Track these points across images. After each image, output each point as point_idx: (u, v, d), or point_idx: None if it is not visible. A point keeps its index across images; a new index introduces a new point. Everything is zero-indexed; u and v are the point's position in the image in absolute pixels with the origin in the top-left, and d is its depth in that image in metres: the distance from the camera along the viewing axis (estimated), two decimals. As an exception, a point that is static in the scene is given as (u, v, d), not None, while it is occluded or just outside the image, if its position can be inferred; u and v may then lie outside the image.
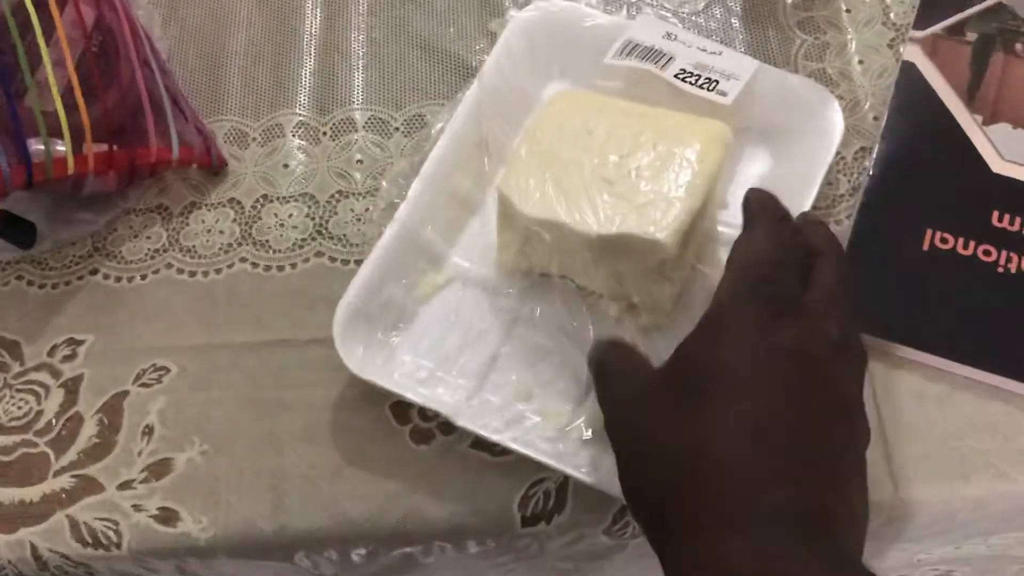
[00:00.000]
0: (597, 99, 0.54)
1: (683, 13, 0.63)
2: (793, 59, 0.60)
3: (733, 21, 0.62)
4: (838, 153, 0.57)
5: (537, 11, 0.59)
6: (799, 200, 0.51)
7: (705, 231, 0.53)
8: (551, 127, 0.51)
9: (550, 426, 0.49)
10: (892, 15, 0.62)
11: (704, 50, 0.56)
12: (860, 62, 0.60)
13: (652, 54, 0.55)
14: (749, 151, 0.56)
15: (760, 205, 0.42)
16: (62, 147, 0.53)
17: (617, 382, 0.42)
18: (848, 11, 0.62)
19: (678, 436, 0.36)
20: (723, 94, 0.54)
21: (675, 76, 0.54)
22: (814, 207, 0.52)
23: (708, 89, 0.54)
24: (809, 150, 0.54)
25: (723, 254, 0.52)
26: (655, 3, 0.63)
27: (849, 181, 0.56)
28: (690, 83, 0.54)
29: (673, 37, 0.56)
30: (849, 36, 0.61)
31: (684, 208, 0.48)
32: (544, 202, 0.49)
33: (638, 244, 0.48)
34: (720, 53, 0.56)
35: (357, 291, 0.50)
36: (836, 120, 0.54)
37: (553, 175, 0.49)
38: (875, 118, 0.58)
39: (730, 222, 0.54)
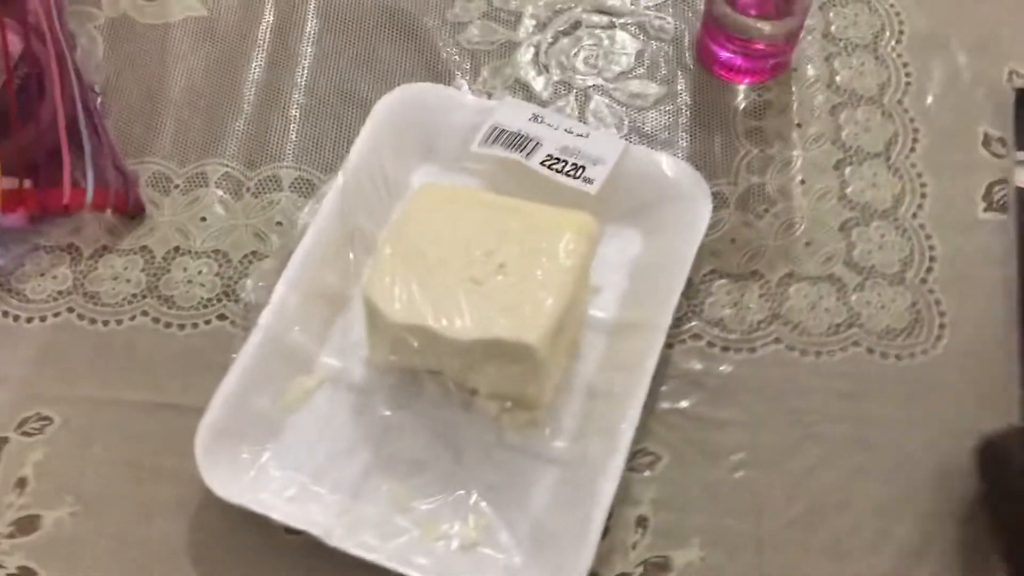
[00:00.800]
0: (462, 192, 0.53)
1: (636, 104, 0.61)
2: (735, 169, 0.59)
3: (682, 120, 0.61)
4: (760, 275, 0.56)
5: (400, 93, 0.58)
6: (670, 280, 0.52)
7: (578, 318, 0.52)
8: (416, 224, 0.50)
9: (429, 538, 0.48)
10: (844, 134, 0.60)
11: (571, 132, 0.55)
12: (802, 181, 0.58)
13: (518, 140, 0.54)
14: (617, 230, 0.55)
15: None
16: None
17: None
18: (799, 125, 0.60)
19: None
20: (589, 181, 0.53)
21: (541, 163, 0.54)
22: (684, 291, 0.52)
23: (574, 176, 0.53)
24: (679, 230, 0.54)
25: (594, 339, 0.53)
26: (604, 92, 0.62)
27: (771, 308, 0.55)
28: (556, 170, 0.53)
29: (540, 119, 0.56)
30: (795, 152, 0.59)
31: (553, 307, 0.47)
32: (411, 306, 0.47)
33: (508, 347, 0.46)
34: (587, 135, 0.55)
35: (220, 408, 0.48)
36: (704, 200, 0.54)
37: (418, 276, 0.48)
38: (807, 244, 0.56)
39: (602, 305, 0.53)
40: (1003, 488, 0.47)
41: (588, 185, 0.53)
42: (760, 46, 0.59)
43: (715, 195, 0.56)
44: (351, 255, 0.54)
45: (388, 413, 0.51)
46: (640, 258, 0.55)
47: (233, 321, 0.55)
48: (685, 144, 0.60)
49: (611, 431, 0.48)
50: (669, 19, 0.64)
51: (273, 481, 0.49)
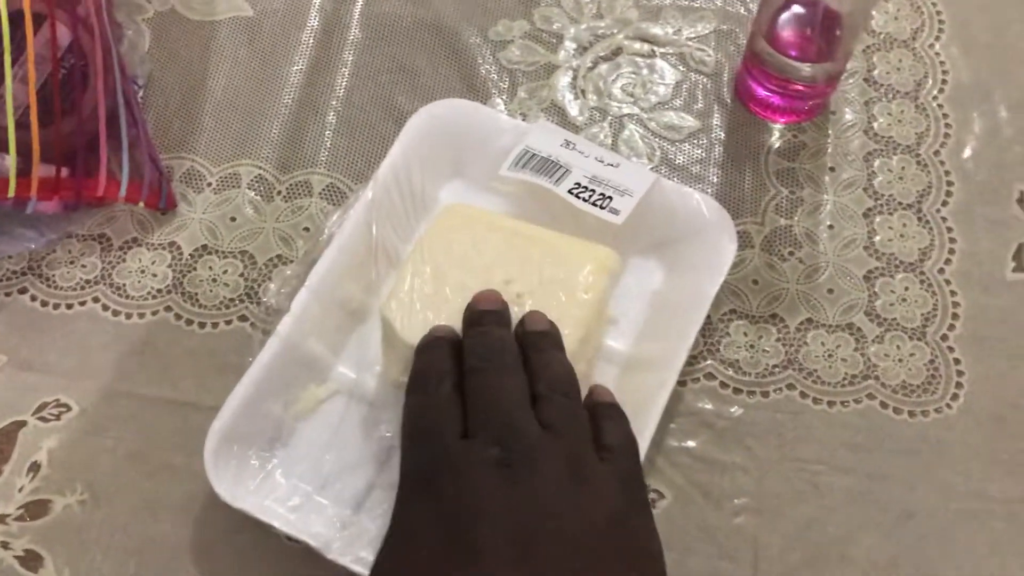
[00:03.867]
0: (488, 217, 0.53)
1: (669, 136, 0.61)
2: (763, 209, 0.59)
3: (714, 155, 0.60)
4: (779, 319, 0.55)
5: (437, 108, 0.58)
6: (689, 317, 0.52)
7: (592, 349, 0.52)
8: (440, 244, 0.50)
9: None
10: (876, 182, 0.59)
11: (601, 161, 0.55)
12: (830, 227, 0.58)
13: (548, 166, 0.54)
14: (639, 261, 0.56)
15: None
16: (7, 162, 0.53)
17: None
18: (832, 169, 0.60)
19: None
20: (615, 212, 0.53)
21: (569, 191, 0.54)
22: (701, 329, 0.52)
23: (600, 206, 0.53)
24: (703, 267, 0.54)
25: (607, 369, 0.53)
26: (639, 121, 0.62)
27: (787, 353, 0.55)
28: (583, 199, 0.53)
29: (571, 146, 0.56)
30: (826, 196, 0.59)
31: (567, 340, 0.47)
32: (425, 329, 0.47)
33: None
34: (618, 165, 0.55)
35: (232, 413, 0.49)
36: (730, 240, 0.53)
37: (436, 299, 0.48)
38: (830, 291, 0.56)
39: (618, 336, 0.54)
40: None
41: (614, 216, 0.53)
42: (799, 87, 0.59)
43: (741, 234, 0.56)
44: (374, 269, 0.55)
45: (393, 435, 0.51)
46: (660, 292, 0.55)
47: (253, 323, 0.56)
48: (715, 179, 0.60)
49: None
50: (711, 52, 0.64)
51: (278, 488, 0.50)
